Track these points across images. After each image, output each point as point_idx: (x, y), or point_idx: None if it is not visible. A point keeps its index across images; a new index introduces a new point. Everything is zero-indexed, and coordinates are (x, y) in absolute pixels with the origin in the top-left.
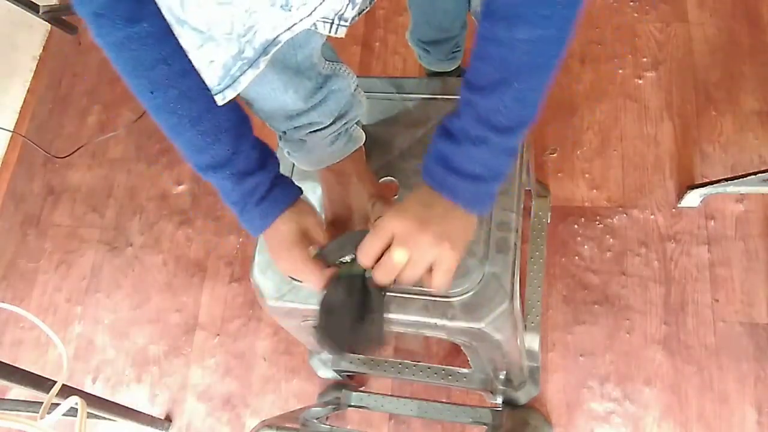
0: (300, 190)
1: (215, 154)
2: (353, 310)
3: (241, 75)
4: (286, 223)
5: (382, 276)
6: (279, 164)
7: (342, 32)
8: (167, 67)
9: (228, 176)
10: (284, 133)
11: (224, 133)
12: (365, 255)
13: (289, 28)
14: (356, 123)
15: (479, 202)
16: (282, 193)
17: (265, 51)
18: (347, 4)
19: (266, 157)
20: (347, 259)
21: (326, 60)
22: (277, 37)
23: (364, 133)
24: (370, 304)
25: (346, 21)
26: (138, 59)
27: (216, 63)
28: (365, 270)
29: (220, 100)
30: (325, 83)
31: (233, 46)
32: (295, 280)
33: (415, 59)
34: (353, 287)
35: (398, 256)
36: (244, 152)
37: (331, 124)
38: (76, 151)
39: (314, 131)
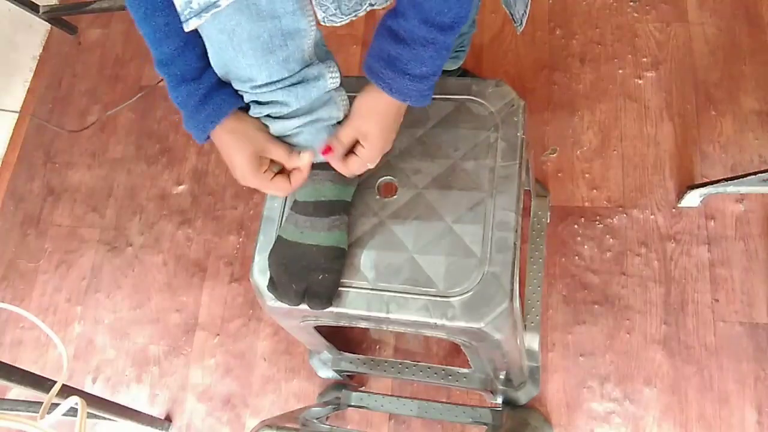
0: (240, 99)
1: (164, 51)
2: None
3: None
4: (233, 134)
5: (350, 171)
6: (216, 76)
7: None
8: None
9: (172, 76)
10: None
11: (174, 35)
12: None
13: None
14: (332, 126)
15: (425, 97)
16: (224, 99)
17: None
18: None
19: (206, 67)
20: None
21: (318, 60)
22: None
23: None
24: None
25: None
26: None
27: None
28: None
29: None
30: (302, 69)
31: None
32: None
33: None
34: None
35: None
36: (187, 58)
37: (296, 116)
38: (89, 126)
39: (278, 118)
